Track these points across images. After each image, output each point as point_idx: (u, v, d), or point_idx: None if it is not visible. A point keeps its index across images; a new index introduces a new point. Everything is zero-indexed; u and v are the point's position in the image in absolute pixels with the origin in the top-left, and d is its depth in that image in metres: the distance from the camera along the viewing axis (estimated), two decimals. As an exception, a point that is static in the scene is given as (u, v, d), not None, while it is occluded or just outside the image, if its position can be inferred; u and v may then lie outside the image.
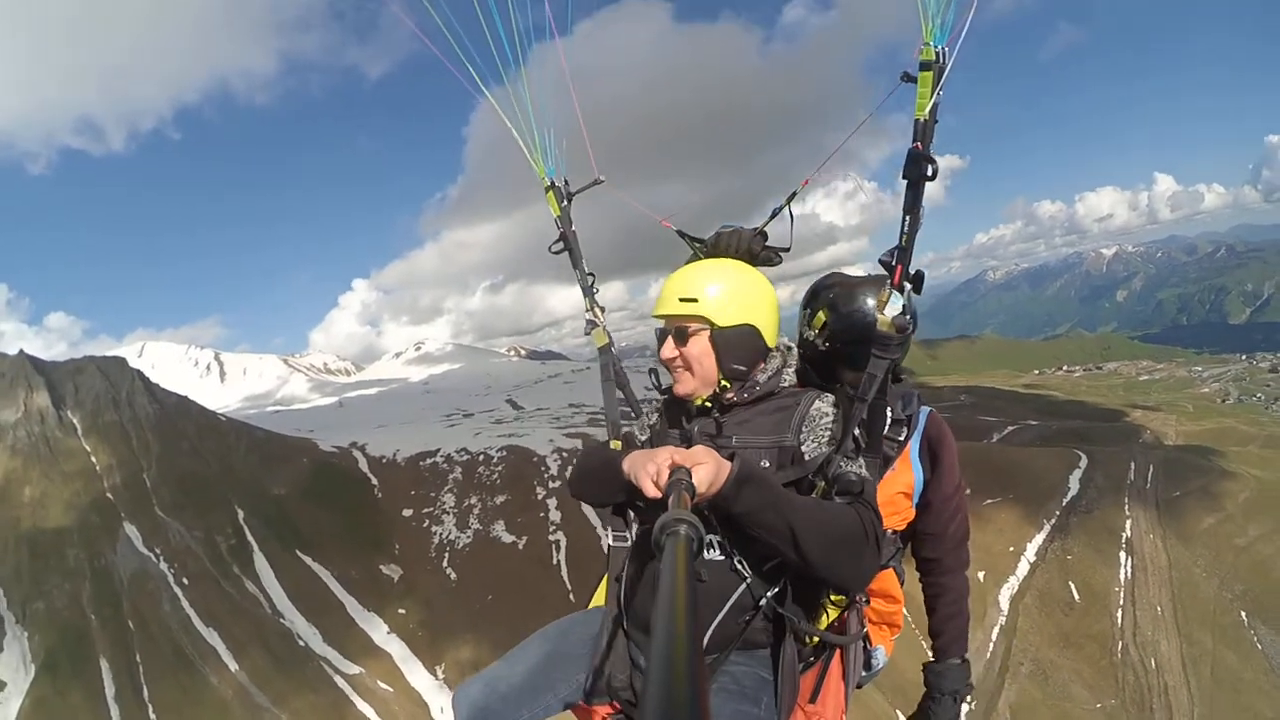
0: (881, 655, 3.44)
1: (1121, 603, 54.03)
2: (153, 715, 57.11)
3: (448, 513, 76.13)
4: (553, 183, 3.93)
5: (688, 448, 2.57)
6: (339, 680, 60.60)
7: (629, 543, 3.22)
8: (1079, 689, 49.98)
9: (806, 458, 2.90)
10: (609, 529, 3.30)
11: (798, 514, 2.51)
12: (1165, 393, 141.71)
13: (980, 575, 55.95)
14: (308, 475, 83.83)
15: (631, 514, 3.23)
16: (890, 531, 3.53)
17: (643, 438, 3.43)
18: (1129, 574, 55.90)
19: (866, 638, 3.27)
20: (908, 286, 2.88)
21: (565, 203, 3.94)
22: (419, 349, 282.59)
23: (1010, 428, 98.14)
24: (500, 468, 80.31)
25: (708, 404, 3.09)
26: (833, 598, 3.05)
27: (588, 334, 3.92)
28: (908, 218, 2.79)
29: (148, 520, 73.19)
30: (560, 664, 3.01)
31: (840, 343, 3.60)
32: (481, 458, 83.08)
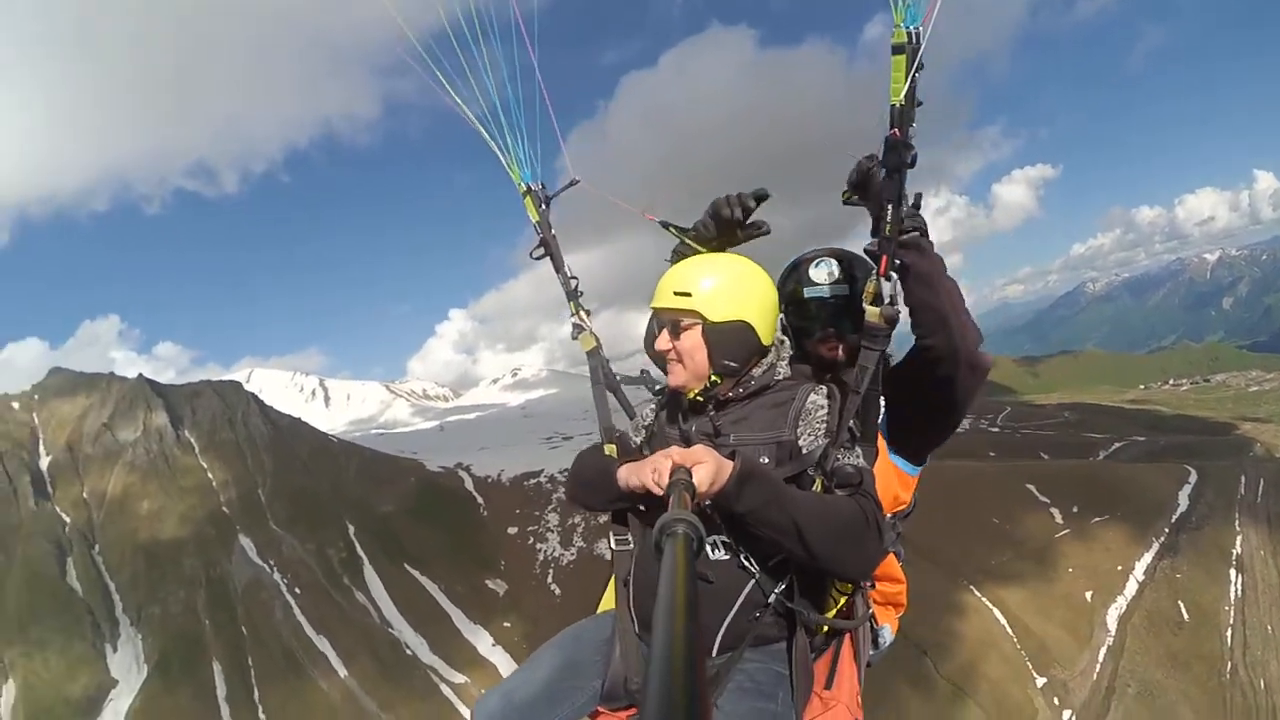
0: (888, 633, 3.58)
1: (1231, 622, 52.39)
2: (263, 716, 59.69)
3: (552, 531, 77.81)
4: (529, 187, 3.98)
5: (687, 447, 2.69)
6: (444, 689, 62.63)
7: (632, 546, 3.27)
8: (1186, 711, 48.64)
9: (804, 451, 2.95)
10: (612, 534, 3.34)
11: (800, 509, 2.60)
12: (1277, 404, 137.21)
13: (1088, 595, 55.12)
14: (414, 494, 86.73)
15: (633, 518, 3.26)
16: (889, 516, 3.59)
17: (637, 439, 3.48)
18: (1239, 592, 54.21)
19: (873, 618, 3.35)
20: (894, 277, 2.96)
21: (544, 207, 3.99)
22: (515, 375, 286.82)
23: (1117, 444, 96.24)
24: None
25: (700, 398, 3.15)
26: (839, 585, 3.08)
27: (575, 338, 3.94)
28: (889, 207, 2.86)
29: (262, 533, 76.73)
30: (575, 671, 3.09)
31: (785, 314, 3.64)
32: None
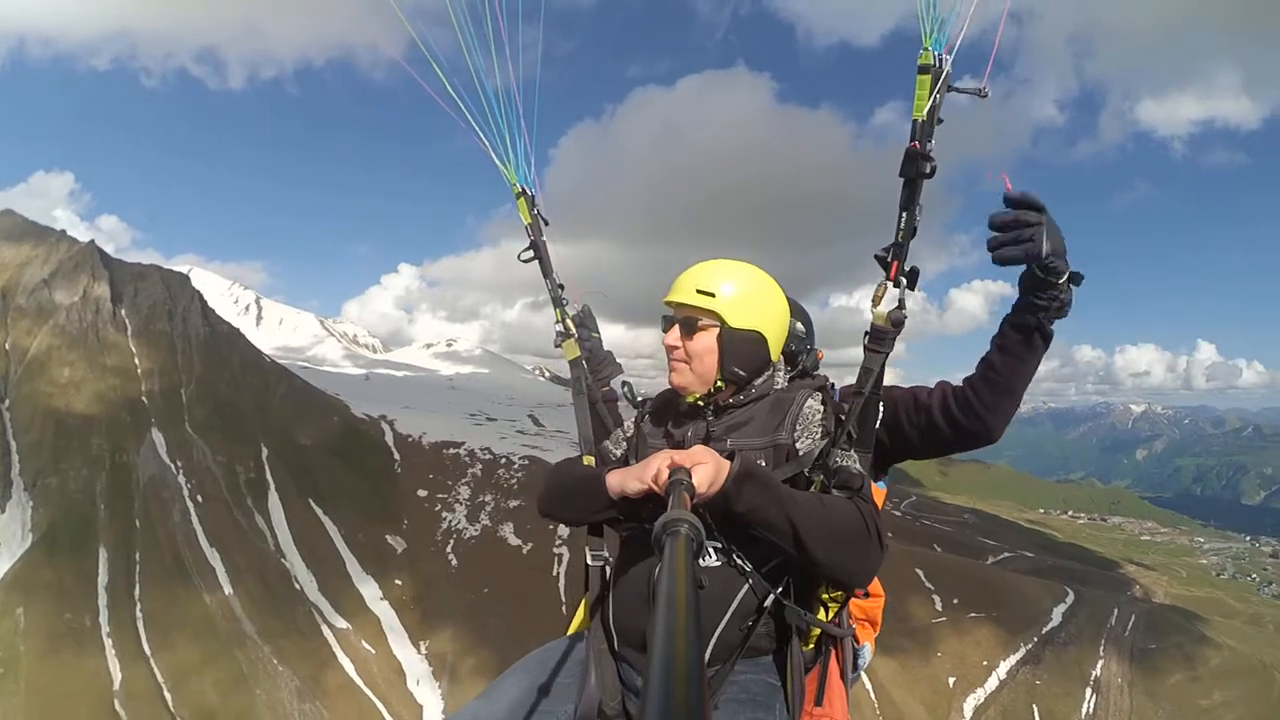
0: (867, 652, 3.45)
1: (1079, 736, 55.54)
2: (139, 612, 59.28)
3: (461, 503, 78.35)
4: (524, 190, 3.95)
5: (681, 449, 2.63)
6: (325, 630, 62.62)
7: (608, 562, 3.21)
8: (1024, 808, 51.72)
9: (801, 454, 2.91)
10: (589, 549, 3.25)
11: (799, 510, 2.54)
12: (1163, 555, 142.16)
13: (951, 681, 58.13)
14: (336, 434, 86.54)
15: (612, 531, 3.18)
16: None
17: (617, 451, 3.41)
18: (1090, 710, 57.39)
19: (854, 636, 3.23)
20: (903, 282, 2.87)
21: (536, 210, 3.96)
22: (450, 345, 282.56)
23: (1006, 554, 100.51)
24: (520, 474, 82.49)
25: (700, 402, 3.10)
26: (829, 594, 2.98)
27: (558, 345, 3.92)
28: (904, 214, 2.81)
29: (176, 433, 76.05)
30: (543, 696, 2.94)
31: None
32: (503, 460, 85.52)
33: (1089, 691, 59.14)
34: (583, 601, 3.37)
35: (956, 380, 3.24)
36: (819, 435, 2.95)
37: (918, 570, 69.36)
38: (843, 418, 2.90)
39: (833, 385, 3.22)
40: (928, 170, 2.70)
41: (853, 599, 3.19)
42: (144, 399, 78.34)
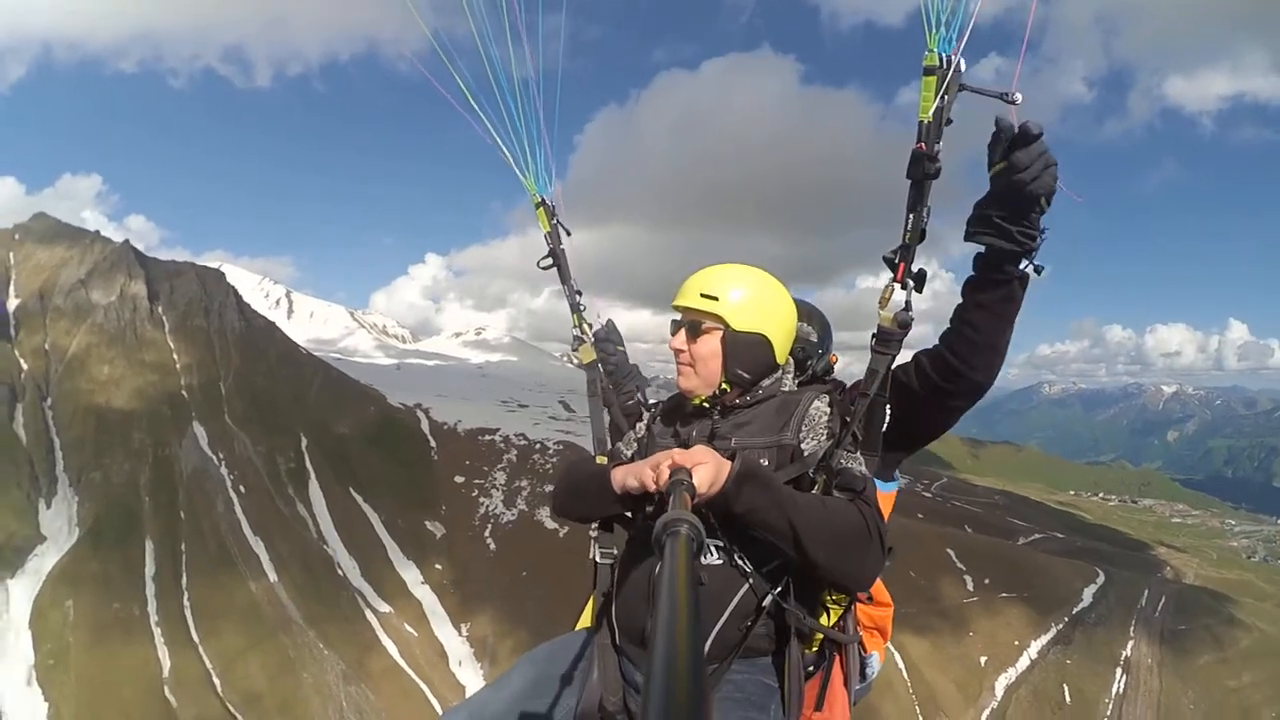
0: (876, 662, 3.43)
1: (1108, 713, 56.20)
2: (186, 601, 60.63)
3: (497, 489, 79.31)
4: (543, 199, 4.02)
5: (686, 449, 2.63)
6: (369, 614, 63.93)
7: (615, 559, 3.23)
8: (1053, 784, 52.58)
9: (805, 455, 2.92)
10: (596, 545, 3.29)
11: (800, 511, 2.54)
12: (1194, 538, 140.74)
13: (983, 660, 58.83)
14: (373, 423, 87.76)
15: (620, 528, 3.25)
16: None
17: (628, 452, 3.43)
18: (1121, 689, 57.98)
19: (860, 644, 3.23)
20: (910, 284, 2.88)
21: (555, 220, 4.03)
22: (479, 334, 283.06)
23: (1037, 535, 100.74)
24: (554, 459, 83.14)
25: (706, 404, 3.13)
26: (832, 598, 3.02)
27: (574, 350, 3.96)
28: (911, 216, 2.81)
29: (216, 425, 77.57)
30: (548, 689, 3.00)
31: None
32: (538, 446, 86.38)
33: (1119, 671, 59.64)
34: (590, 597, 3.42)
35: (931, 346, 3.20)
36: (824, 437, 2.97)
37: (949, 551, 69.89)
38: (848, 420, 2.93)
39: (845, 389, 3.21)
40: (934, 172, 2.74)
41: (861, 606, 3.27)
42: (184, 393, 79.91)
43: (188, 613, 59.95)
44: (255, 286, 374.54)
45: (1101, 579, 70.26)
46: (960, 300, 3.01)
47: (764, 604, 2.76)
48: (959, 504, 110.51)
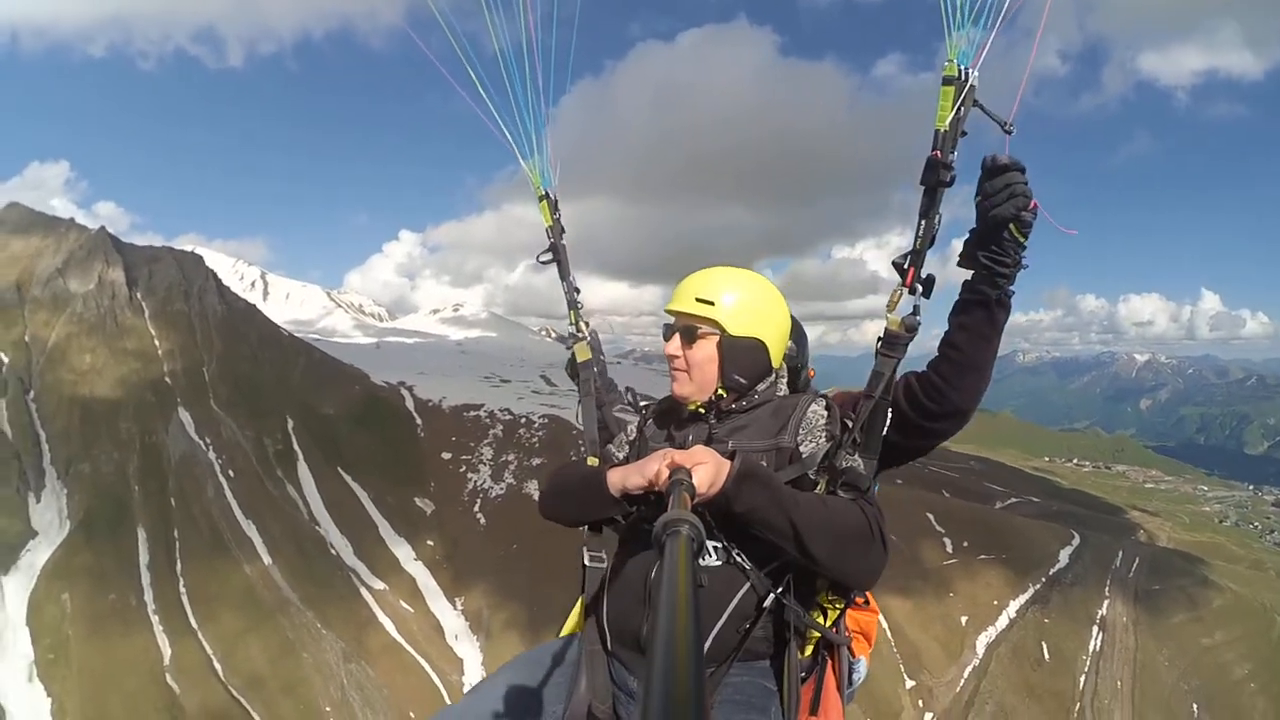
0: (863, 667, 3.41)
1: (1086, 670, 57.96)
2: (182, 588, 60.54)
3: (485, 463, 79.51)
4: (547, 193, 4.01)
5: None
6: (364, 592, 64.28)
7: (606, 563, 3.17)
8: (1036, 735, 54.51)
9: (804, 457, 2.92)
10: (586, 549, 3.22)
11: (801, 510, 2.56)
12: (1167, 502, 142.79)
13: (963, 619, 60.52)
14: (358, 403, 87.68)
15: (609, 531, 3.21)
16: None
17: (620, 454, 3.43)
18: (1097, 646, 59.77)
19: (849, 648, 3.21)
20: (919, 289, 2.86)
21: (557, 214, 4.01)
22: (456, 310, 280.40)
23: (1013, 499, 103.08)
24: (541, 433, 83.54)
25: (701, 409, 3.12)
26: (828, 600, 3.02)
27: (569, 349, 3.94)
28: (923, 222, 2.81)
29: (202, 410, 77.07)
30: (532, 696, 2.95)
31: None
32: (523, 420, 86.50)
33: (1095, 630, 61.32)
34: (578, 602, 3.39)
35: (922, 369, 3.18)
36: (823, 439, 2.96)
37: (928, 514, 71.35)
38: (849, 422, 2.91)
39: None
40: (948, 179, 2.76)
41: (849, 610, 3.17)
42: (167, 379, 79.13)
43: (184, 599, 59.94)
44: (230, 269, 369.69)
45: (1077, 541, 71.81)
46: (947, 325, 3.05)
47: (765, 604, 2.78)
48: (936, 469, 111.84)
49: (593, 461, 3.41)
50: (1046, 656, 58.70)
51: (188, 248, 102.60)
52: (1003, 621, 61.26)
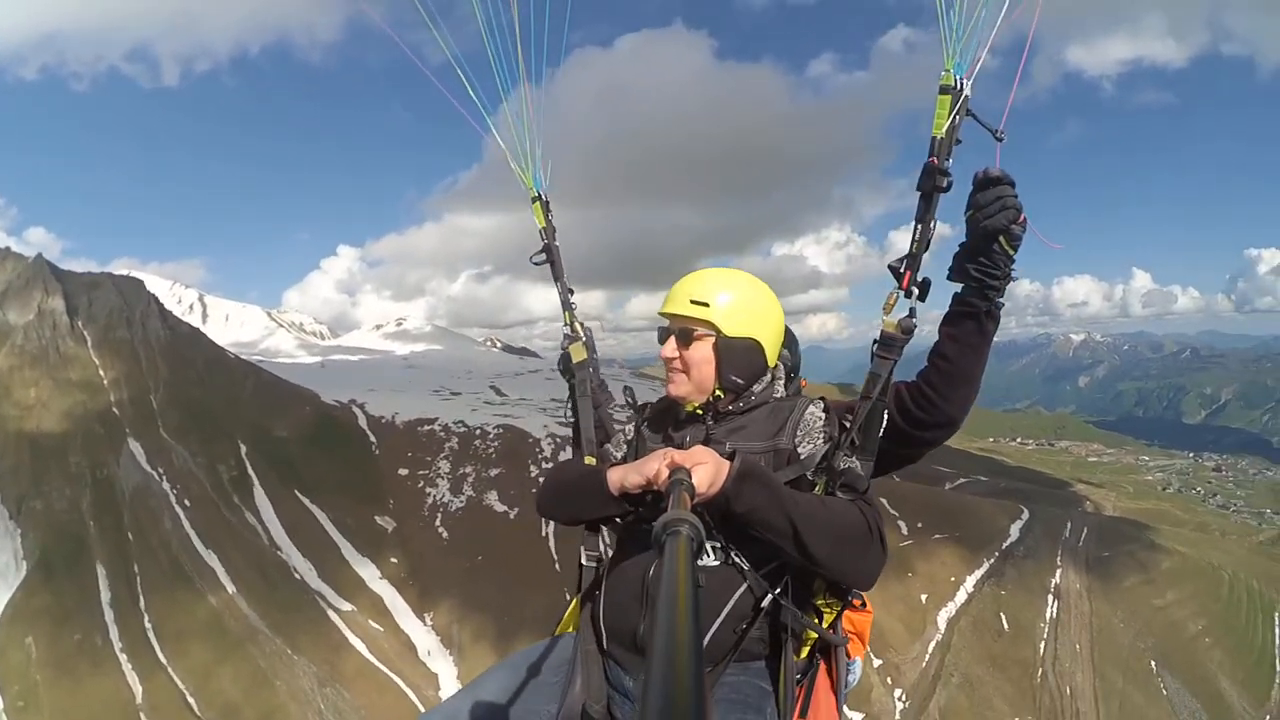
0: (858, 668, 3.35)
1: (1045, 637, 60.17)
2: (148, 624, 59.14)
3: (442, 477, 78.92)
4: (539, 195, 3.98)
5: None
6: (332, 615, 63.41)
7: (602, 563, 3.20)
8: (1001, 703, 56.01)
9: (803, 458, 2.92)
10: (583, 548, 3.25)
11: (800, 510, 2.56)
12: (1110, 474, 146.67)
13: (923, 597, 62.30)
14: (311, 423, 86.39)
15: (608, 531, 3.22)
16: None
17: (618, 454, 3.44)
18: (1054, 614, 61.95)
19: (845, 649, 3.13)
20: (915, 292, 2.87)
21: (550, 215, 4.00)
22: (399, 325, 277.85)
23: (962, 480, 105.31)
24: (496, 443, 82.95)
25: (699, 410, 3.12)
26: (825, 602, 3.00)
27: (564, 349, 3.89)
28: (919, 226, 2.82)
29: (152, 440, 75.11)
30: (526, 696, 2.94)
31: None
32: (478, 432, 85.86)
33: (1050, 599, 63.55)
34: (573, 602, 3.38)
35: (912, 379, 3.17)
36: (820, 441, 2.96)
37: (882, 499, 70.99)
38: (846, 424, 2.92)
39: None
40: (945, 185, 2.76)
41: (846, 610, 3.13)
42: (115, 410, 77.12)
43: (151, 635, 58.65)
44: (168, 292, 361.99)
45: (1026, 515, 74.08)
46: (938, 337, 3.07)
47: (763, 604, 2.78)
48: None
49: (590, 461, 3.47)
50: (1006, 627, 60.65)
51: (124, 272, 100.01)
52: (961, 597, 63.11)
